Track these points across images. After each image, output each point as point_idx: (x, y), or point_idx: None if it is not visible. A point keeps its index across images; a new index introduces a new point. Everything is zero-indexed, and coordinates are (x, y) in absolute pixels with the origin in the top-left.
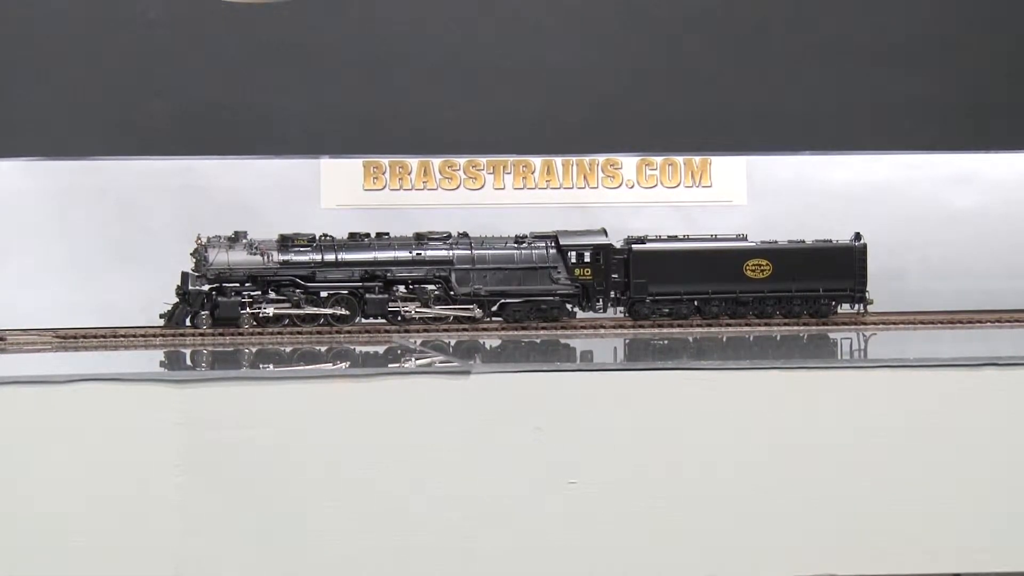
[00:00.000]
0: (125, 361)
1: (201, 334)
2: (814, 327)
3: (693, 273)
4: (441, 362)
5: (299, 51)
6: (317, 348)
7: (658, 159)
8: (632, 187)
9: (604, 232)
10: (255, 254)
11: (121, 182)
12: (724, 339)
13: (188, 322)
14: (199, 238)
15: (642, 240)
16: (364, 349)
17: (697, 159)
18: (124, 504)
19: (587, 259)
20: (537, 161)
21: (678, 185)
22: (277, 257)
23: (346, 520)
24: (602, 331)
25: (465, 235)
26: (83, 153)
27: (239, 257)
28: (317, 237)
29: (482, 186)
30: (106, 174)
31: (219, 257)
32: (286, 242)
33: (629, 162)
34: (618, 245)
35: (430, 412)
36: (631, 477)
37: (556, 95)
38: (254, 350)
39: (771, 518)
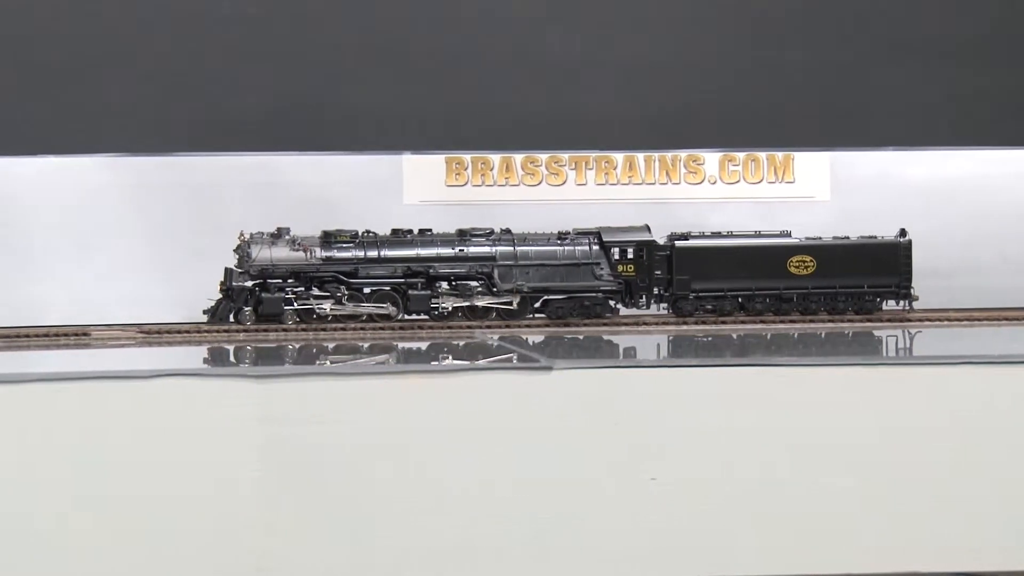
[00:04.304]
0: (208, 356)
1: (284, 330)
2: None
3: (737, 269)
4: (522, 358)
5: (383, 47)
6: (392, 343)
7: (740, 155)
8: (714, 183)
9: (647, 228)
10: (298, 250)
11: (204, 178)
12: (768, 336)
13: (232, 318)
14: (242, 234)
15: (685, 236)
16: (422, 345)
17: (780, 155)
18: (207, 498)
19: (630, 255)
20: (619, 157)
21: (761, 181)
22: (320, 253)
23: (423, 516)
24: (645, 328)
25: (508, 231)
26: (166, 149)
27: (282, 253)
28: (360, 233)
29: (564, 182)
30: (189, 170)
31: (262, 253)
32: (329, 238)
33: (711, 158)
34: (661, 241)
35: (510, 408)
36: (713, 474)
37: (639, 91)
38: (331, 346)
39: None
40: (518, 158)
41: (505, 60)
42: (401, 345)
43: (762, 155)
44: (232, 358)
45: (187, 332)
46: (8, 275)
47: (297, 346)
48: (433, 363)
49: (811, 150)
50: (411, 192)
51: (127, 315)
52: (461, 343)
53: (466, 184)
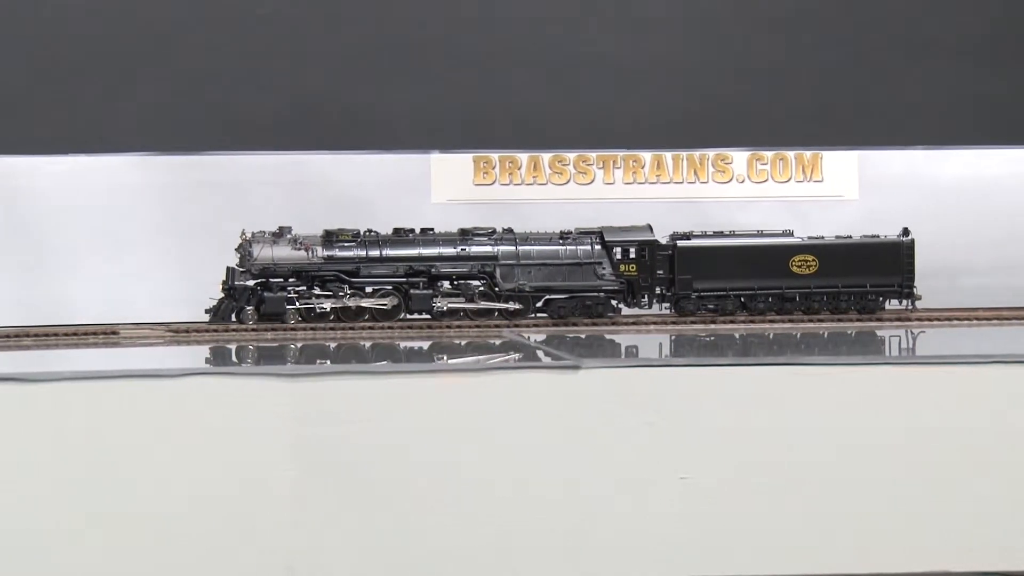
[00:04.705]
0: (237, 355)
1: (312, 328)
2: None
3: (738, 269)
4: (551, 357)
5: (410, 47)
6: (418, 343)
7: (769, 154)
8: (742, 182)
9: (649, 228)
10: (299, 249)
11: (232, 177)
12: (770, 336)
13: (233, 317)
14: (243, 233)
15: (687, 236)
16: (422, 344)
17: (808, 154)
18: (236, 498)
19: (632, 255)
20: (647, 156)
21: (789, 180)
22: (321, 252)
23: (455, 516)
24: (647, 327)
25: (510, 231)
26: (195, 148)
27: (283, 252)
28: (361, 232)
29: (592, 181)
30: (218, 169)
31: (263, 252)
32: (330, 237)
33: (739, 157)
34: (663, 241)
35: (540, 407)
36: (742, 473)
37: (666, 90)
38: (365, 345)
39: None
40: (546, 157)
41: (533, 60)
42: (426, 345)
43: (790, 154)
44: (260, 357)
45: (216, 331)
46: (38, 274)
47: (328, 345)
48: (464, 362)
49: (839, 149)
50: (439, 191)
51: (155, 314)
52: (491, 342)
53: (494, 183)
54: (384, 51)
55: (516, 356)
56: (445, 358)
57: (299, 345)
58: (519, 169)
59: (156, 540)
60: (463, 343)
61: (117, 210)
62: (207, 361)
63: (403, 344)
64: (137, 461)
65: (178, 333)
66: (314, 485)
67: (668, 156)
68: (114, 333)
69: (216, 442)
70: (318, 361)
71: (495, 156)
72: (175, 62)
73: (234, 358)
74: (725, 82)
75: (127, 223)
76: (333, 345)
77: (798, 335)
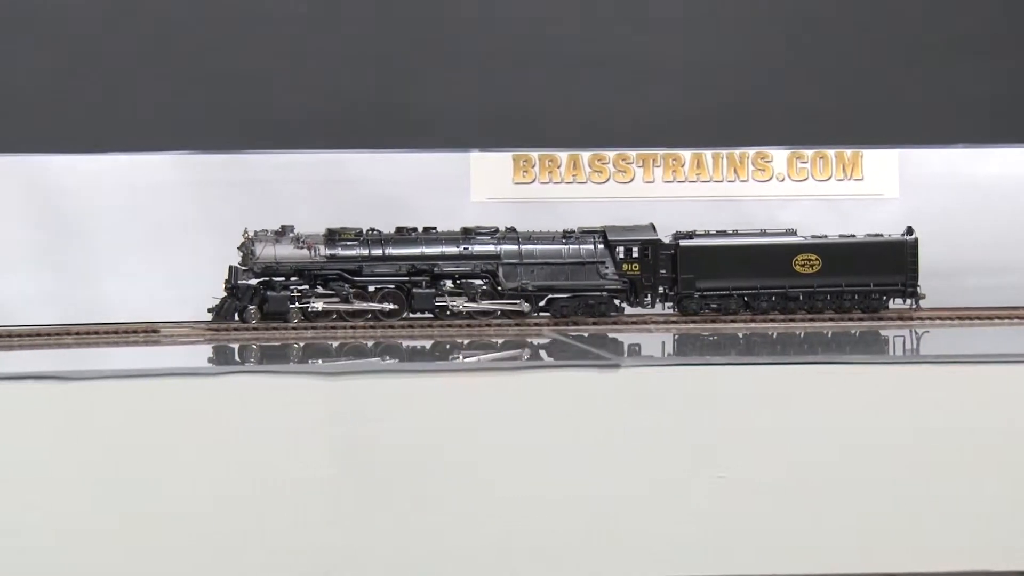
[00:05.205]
0: (273, 354)
1: (352, 327)
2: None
3: (742, 268)
4: (589, 356)
5: (450, 45)
6: (457, 341)
7: (809, 152)
8: (783, 180)
9: (652, 227)
10: (302, 248)
11: (271, 175)
12: (774, 335)
13: (236, 316)
14: (246, 232)
15: (690, 235)
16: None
17: (848, 152)
18: (274, 496)
19: (635, 254)
20: (687, 154)
21: (829, 178)
22: (324, 251)
23: (492, 515)
24: (650, 326)
25: (513, 230)
26: (232, 147)
27: (286, 251)
28: (364, 231)
29: (631, 179)
30: (256, 167)
31: (266, 251)
32: (333, 236)
33: (780, 155)
34: (666, 240)
35: (576, 406)
36: (778, 471)
37: (706, 88)
38: (399, 344)
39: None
40: (585, 155)
41: (573, 59)
42: (451, 343)
43: (830, 152)
44: (299, 356)
45: (255, 330)
46: (72, 271)
47: (363, 344)
48: (501, 360)
49: (880, 147)
50: (478, 190)
51: (188, 312)
52: (527, 341)
53: (533, 182)
54: (423, 49)
55: (553, 355)
56: (480, 358)
57: (338, 344)
58: (559, 168)
59: (193, 537)
60: (496, 342)
61: (152, 208)
62: (245, 360)
63: (431, 343)
64: (177, 458)
65: (218, 332)
66: (350, 483)
67: (708, 155)
68: (155, 331)
69: (253, 440)
70: (353, 359)
71: (535, 155)
72: (210, 60)
73: (273, 357)
74: (766, 81)
75: (163, 222)
76: (369, 344)
77: (802, 334)
